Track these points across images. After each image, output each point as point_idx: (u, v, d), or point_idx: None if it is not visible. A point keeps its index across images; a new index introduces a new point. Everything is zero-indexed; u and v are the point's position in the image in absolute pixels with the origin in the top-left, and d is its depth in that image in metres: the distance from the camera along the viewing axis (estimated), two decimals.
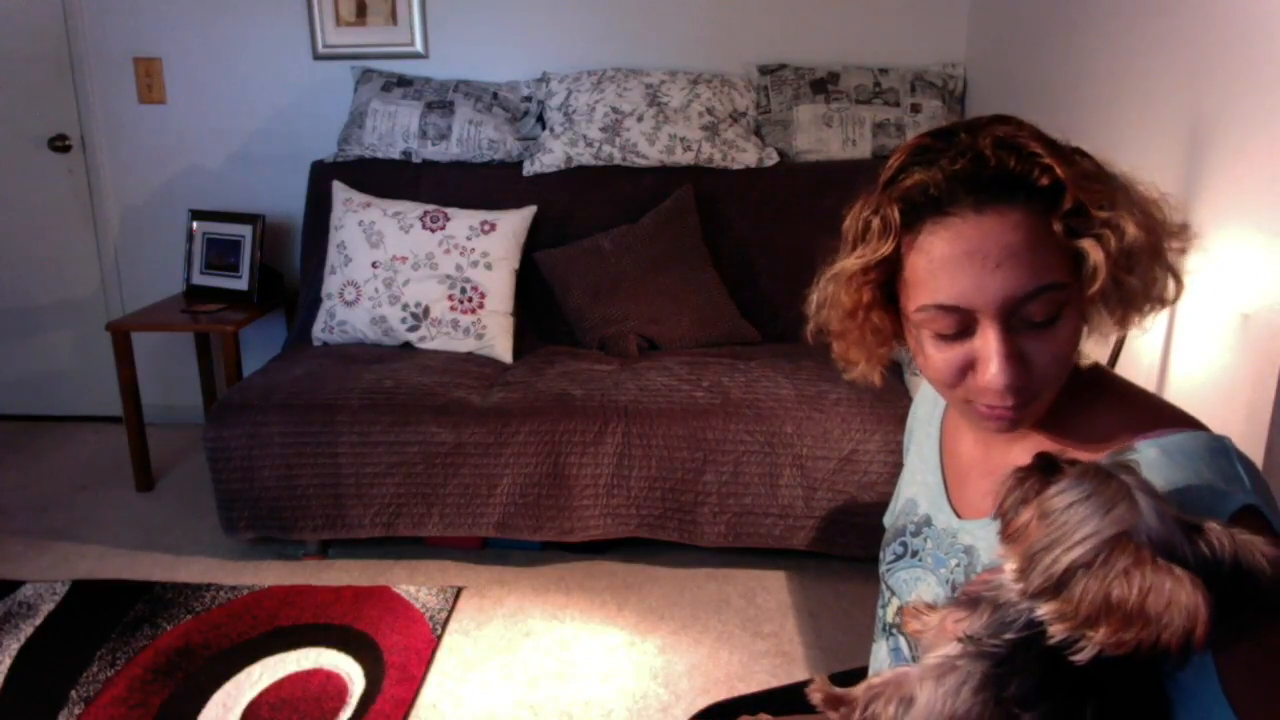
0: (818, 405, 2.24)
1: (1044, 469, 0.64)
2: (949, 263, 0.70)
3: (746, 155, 2.86)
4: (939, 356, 0.74)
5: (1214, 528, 0.58)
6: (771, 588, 2.30)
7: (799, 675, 1.97)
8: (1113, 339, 0.81)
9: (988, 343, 0.71)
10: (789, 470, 2.22)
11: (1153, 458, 0.69)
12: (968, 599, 0.67)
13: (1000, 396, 0.72)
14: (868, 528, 2.22)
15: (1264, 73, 1.48)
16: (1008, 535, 0.63)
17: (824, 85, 2.90)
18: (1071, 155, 0.72)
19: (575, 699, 1.90)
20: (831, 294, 0.81)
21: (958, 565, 0.83)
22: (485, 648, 2.07)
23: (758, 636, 2.11)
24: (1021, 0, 2.56)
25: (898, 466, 2.18)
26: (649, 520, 2.28)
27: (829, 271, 0.81)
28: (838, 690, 0.73)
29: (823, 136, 2.88)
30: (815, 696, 0.74)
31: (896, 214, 0.73)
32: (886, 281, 0.77)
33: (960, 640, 0.64)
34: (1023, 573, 0.61)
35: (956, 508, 0.87)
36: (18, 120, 3.19)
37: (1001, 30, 2.73)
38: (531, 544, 2.42)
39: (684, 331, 2.67)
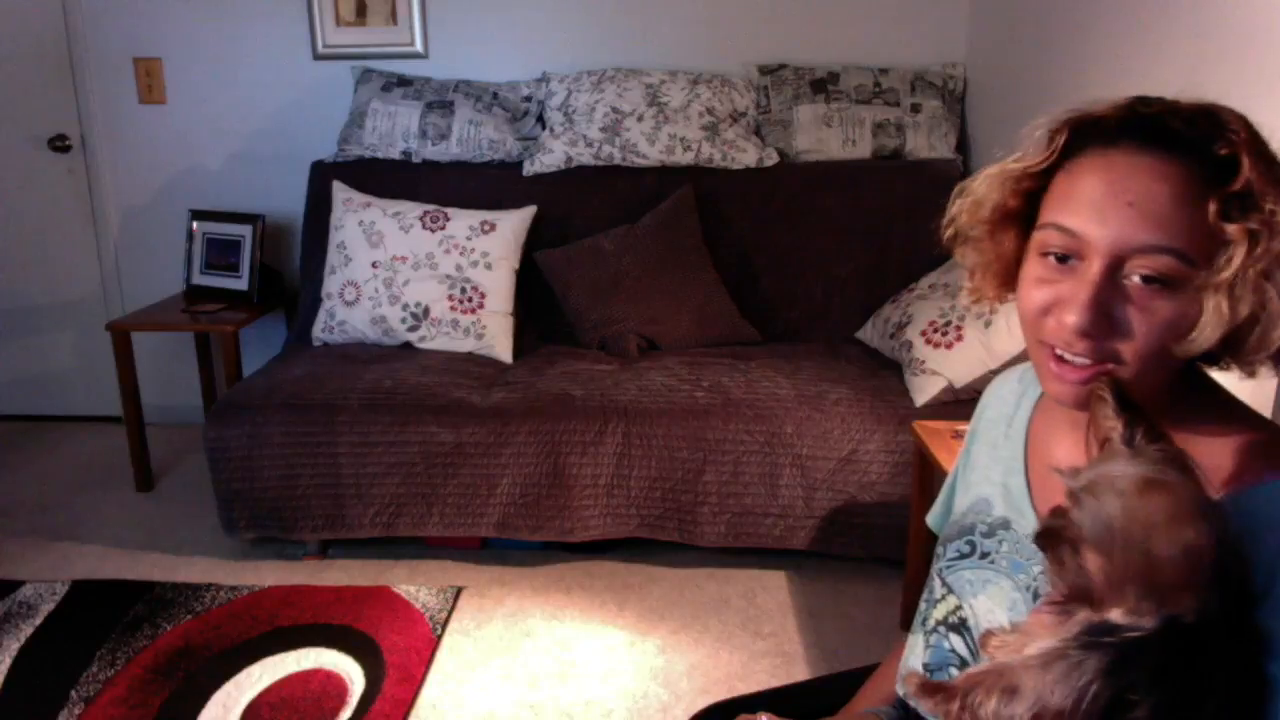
0: (818, 405, 2.24)
1: (1049, 535, 0.64)
2: (1088, 188, 0.70)
3: (746, 155, 2.86)
4: (1035, 291, 0.73)
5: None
6: (771, 588, 2.30)
7: (799, 675, 1.97)
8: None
9: (1081, 282, 0.69)
10: (789, 470, 2.22)
11: (1274, 498, 0.64)
12: (1061, 606, 0.65)
13: (1069, 339, 0.70)
14: (868, 528, 2.22)
15: (1264, 73, 1.48)
16: (1096, 598, 0.61)
17: (824, 85, 2.90)
18: (1275, 159, 0.68)
19: (575, 699, 1.90)
20: (984, 191, 0.80)
21: (1042, 573, 0.79)
22: (485, 648, 2.07)
23: (758, 636, 2.11)
24: (1022, 0, 2.56)
25: (898, 466, 2.18)
26: (649, 520, 2.28)
27: (989, 169, 0.80)
28: (934, 680, 0.71)
29: (823, 136, 2.88)
30: (910, 684, 0.72)
31: (1066, 134, 0.73)
32: (1033, 197, 0.76)
33: (1067, 636, 0.63)
34: (1133, 603, 0.59)
35: (1042, 515, 0.83)
36: (18, 120, 3.19)
37: (1001, 30, 2.73)
38: (531, 544, 2.42)
39: (684, 331, 2.67)
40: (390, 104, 2.92)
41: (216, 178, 3.21)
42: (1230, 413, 0.74)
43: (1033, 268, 0.74)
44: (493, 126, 2.91)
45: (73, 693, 1.90)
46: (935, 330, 2.31)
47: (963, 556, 0.89)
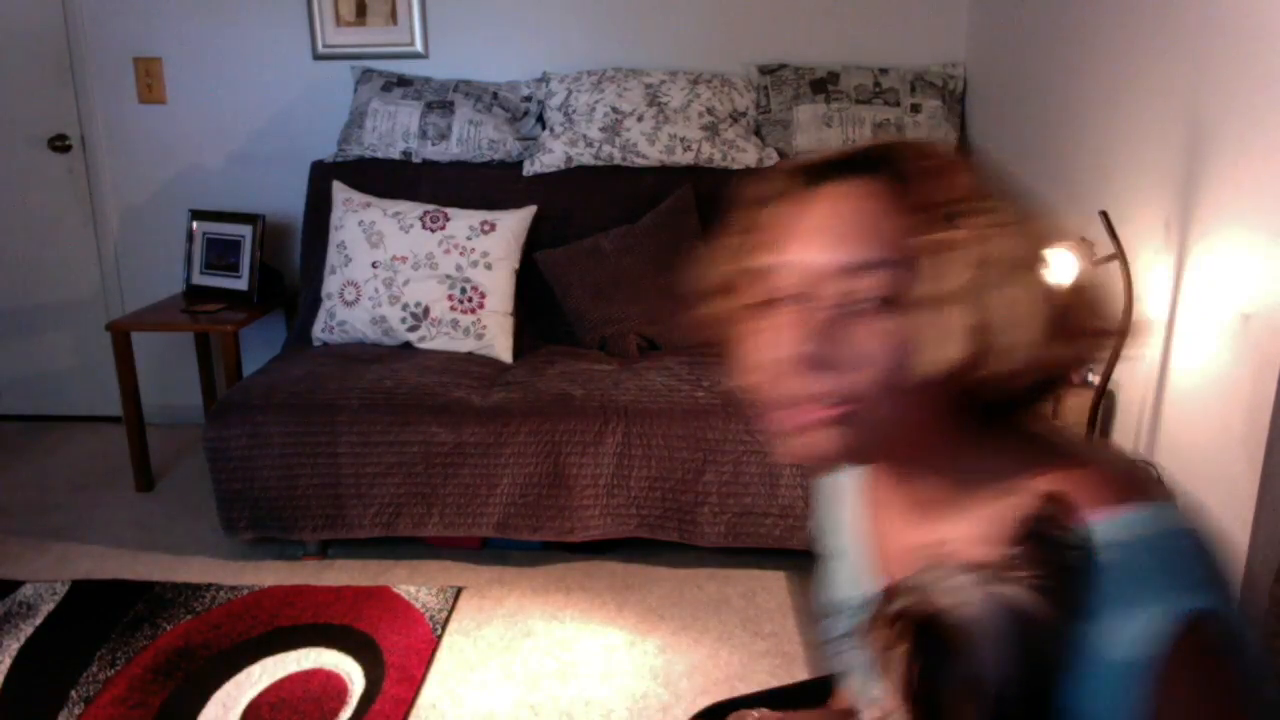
0: None
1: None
2: (788, 223, 0.69)
3: (746, 155, 2.86)
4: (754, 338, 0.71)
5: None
6: (771, 588, 2.30)
7: (799, 675, 1.97)
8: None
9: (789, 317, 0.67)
10: (789, 470, 2.22)
11: (1100, 537, 0.60)
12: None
13: (782, 380, 0.66)
14: None
15: (1264, 73, 1.48)
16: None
17: (824, 85, 2.90)
18: (965, 182, 0.65)
19: (575, 699, 1.90)
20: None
21: None
22: (485, 648, 2.07)
23: (758, 636, 2.11)
24: (1022, 0, 2.56)
25: None
26: (649, 520, 2.28)
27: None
28: None
29: (823, 136, 2.88)
30: None
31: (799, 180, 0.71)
32: None
33: None
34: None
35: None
36: (18, 120, 3.19)
37: (1001, 30, 2.73)
38: (531, 544, 2.42)
39: (684, 331, 2.67)
40: (390, 104, 2.92)
41: (216, 178, 3.21)
42: (1045, 440, 0.68)
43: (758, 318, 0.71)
44: (493, 126, 2.91)
45: (73, 693, 1.90)
46: None
47: (840, 638, 0.90)
